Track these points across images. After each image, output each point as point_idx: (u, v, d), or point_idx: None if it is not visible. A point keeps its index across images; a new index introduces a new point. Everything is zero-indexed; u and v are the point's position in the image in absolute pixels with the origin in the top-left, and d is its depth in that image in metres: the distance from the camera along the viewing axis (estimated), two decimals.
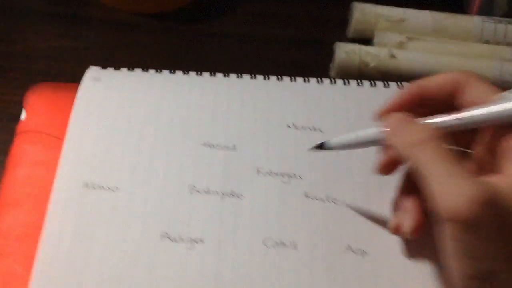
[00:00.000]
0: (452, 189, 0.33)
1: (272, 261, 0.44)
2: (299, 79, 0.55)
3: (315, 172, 0.49)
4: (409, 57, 0.59)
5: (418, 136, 0.37)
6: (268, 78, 0.55)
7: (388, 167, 0.44)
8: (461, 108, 0.39)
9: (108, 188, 0.47)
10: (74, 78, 0.55)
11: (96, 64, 0.56)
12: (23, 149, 0.50)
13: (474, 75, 0.40)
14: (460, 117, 0.38)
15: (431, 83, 0.41)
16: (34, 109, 0.52)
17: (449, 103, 0.40)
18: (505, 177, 0.35)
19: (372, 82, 0.55)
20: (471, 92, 0.39)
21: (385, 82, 0.55)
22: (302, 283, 0.43)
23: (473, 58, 0.60)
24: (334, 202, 0.47)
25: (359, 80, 0.56)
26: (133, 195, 0.47)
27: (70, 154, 0.49)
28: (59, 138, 0.50)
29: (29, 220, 0.46)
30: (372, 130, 0.43)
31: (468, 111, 0.38)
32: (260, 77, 0.55)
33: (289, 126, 0.52)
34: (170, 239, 0.45)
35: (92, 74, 0.54)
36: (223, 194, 0.47)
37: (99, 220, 0.46)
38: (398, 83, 0.55)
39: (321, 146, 0.46)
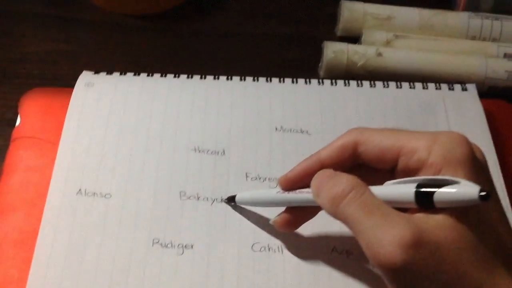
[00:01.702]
0: (379, 239, 0.34)
1: (259, 265, 0.46)
2: (288, 80, 0.57)
3: None
4: (396, 56, 0.60)
5: (338, 191, 0.37)
6: (257, 80, 0.56)
7: (287, 225, 0.45)
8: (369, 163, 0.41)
9: (101, 195, 0.49)
10: (69, 82, 0.56)
11: (91, 66, 0.57)
12: (19, 155, 0.51)
13: (366, 130, 0.41)
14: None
15: (327, 153, 0.42)
16: (28, 115, 0.54)
17: (356, 162, 0.42)
18: (427, 215, 0.36)
19: (359, 82, 0.57)
20: (367, 149, 0.40)
21: (372, 82, 0.57)
22: (289, 285, 0.45)
23: (459, 55, 0.61)
24: None
25: (346, 81, 0.57)
26: (125, 201, 0.48)
27: (63, 161, 0.50)
28: (54, 143, 0.52)
29: (25, 226, 0.47)
30: (273, 193, 0.45)
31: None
32: (249, 79, 0.57)
33: (277, 129, 0.53)
34: (161, 245, 0.46)
35: (85, 79, 0.55)
36: (212, 200, 0.49)
37: (92, 227, 0.47)
38: (384, 82, 0.57)
39: (232, 199, 0.49)
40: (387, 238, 0.34)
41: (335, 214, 0.38)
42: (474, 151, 0.38)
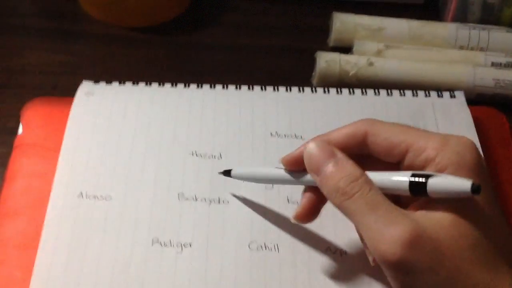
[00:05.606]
0: (381, 235, 0.36)
1: (256, 264, 0.47)
2: (282, 89, 0.58)
3: None
4: (386, 65, 0.62)
5: (343, 186, 0.38)
6: (252, 89, 0.58)
7: (309, 214, 0.45)
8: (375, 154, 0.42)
9: (102, 197, 0.50)
10: (68, 92, 0.58)
11: (89, 77, 0.59)
12: (21, 162, 0.53)
13: (377, 122, 0.42)
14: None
15: (337, 138, 0.42)
16: (30, 123, 0.55)
17: (363, 151, 0.42)
18: (428, 213, 0.37)
19: (351, 90, 0.58)
20: (376, 141, 0.41)
21: (363, 90, 0.58)
22: (285, 283, 0.46)
23: (448, 64, 0.63)
24: None
25: (338, 88, 0.58)
26: (125, 203, 0.50)
27: (65, 166, 0.52)
28: (55, 150, 0.53)
29: (28, 229, 0.49)
30: (272, 170, 0.46)
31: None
32: (244, 88, 0.58)
33: (272, 135, 0.55)
34: (160, 244, 0.48)
35: (85, 88, 0.57)
36: (210, 201, 0.50)
37: (93, 228, 0.48)
38: (375, 90, 0.58)
39: (228, 172, 0.49)
40: (389, 235, 0.35)
41: (339, 207, 0.39)
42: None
